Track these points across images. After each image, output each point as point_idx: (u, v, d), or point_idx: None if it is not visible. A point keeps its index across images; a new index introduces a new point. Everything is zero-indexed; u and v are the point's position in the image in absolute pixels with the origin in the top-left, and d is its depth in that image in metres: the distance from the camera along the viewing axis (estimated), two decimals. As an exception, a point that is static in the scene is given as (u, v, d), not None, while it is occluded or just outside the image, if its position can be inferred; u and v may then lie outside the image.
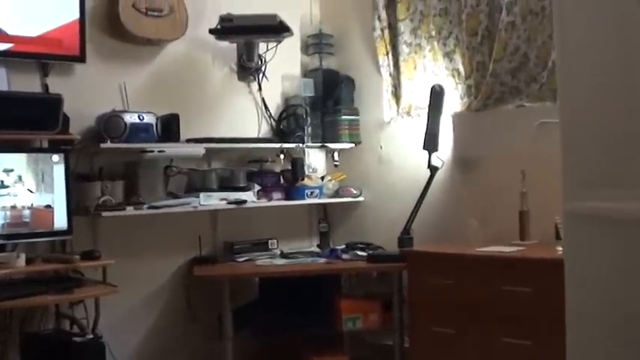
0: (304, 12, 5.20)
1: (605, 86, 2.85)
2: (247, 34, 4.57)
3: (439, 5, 4.42)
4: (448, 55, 4.41)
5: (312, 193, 4.80)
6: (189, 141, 4.38)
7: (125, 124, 4.05)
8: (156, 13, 4.30)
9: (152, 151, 4.12)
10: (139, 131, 4.11)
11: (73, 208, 3.87)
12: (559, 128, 3.01)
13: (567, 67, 3.02)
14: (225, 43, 4.66)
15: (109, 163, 4.18)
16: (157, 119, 4.23)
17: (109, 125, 4.02)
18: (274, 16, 4.49)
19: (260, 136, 4.90)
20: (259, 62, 4.77)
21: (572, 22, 2.98)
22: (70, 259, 3.70)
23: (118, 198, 4.05)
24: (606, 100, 2.85)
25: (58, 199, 3.80)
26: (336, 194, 4.99)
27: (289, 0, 5.04)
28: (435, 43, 4.47)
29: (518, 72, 4.05)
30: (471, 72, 4.26)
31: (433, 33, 4.47)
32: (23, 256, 3.59)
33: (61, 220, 3.80)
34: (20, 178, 3.70)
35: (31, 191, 3.73)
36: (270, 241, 4.68)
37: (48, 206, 3.77)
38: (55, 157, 3.81)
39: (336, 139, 4.97)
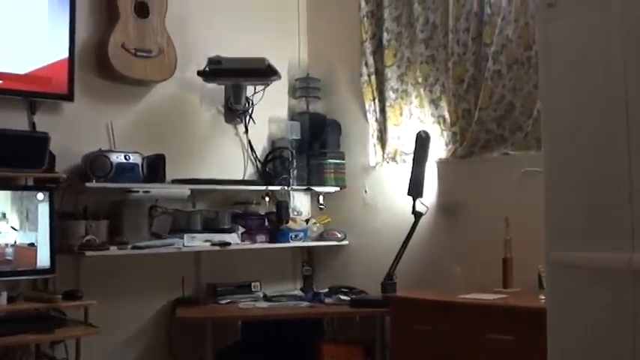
0: (292, 56, 5.25)
1: (589, 137, 2.89)
2: (235, 77, 4.60)
3: (426, 53, 4.47)
4: (434, 102, 4.45)
5: (296, 236, 4.80)
6: (174, 182, 4.38)
7: (111, 163, 4.05)
8: (145, 54, 4.32)
9: (137, 191, 4.11)
10: (125, 171, 4.11)
11: (57, 246, 3.85)
12: (543, 177, 3.05)
13: (552, 117, 3.06)
14: (213, 85, 4.69)
15: (94, 202, 4.16)
16: (143, 159, 4.23)
17: (95, 164, 4.02)
18: (262, 60, 4.53)
19: (245, 178, 4.91)
20: (246, 104, 4.78)
21: (557, 73, 3.03)
22: (52, 298, 3.67)
23: (102, 237, 4.03)
24: (590, 151, 2.88)
25: (41, 237, 3.78)
26: (321, 237, 4.98)
27: (278, 43, 5.09)
28: (422, 90, 4.51)
29: (504, 120, 4.09)
30: (457, 119, 4.30)
31: (420, 80, 4.51)
32: (5, 295, 3.56)
33: (44, 259, 3.78)
34: (4, 215, 3.68)
35: (15, 229, 3.71)
36: (253, 284, 4.67)
37: (31, 244, 3.75)
38: (40, 196, 3.80)
39: (321, 183, 4.98)
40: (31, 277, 3.84)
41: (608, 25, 2.82)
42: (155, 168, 4.24)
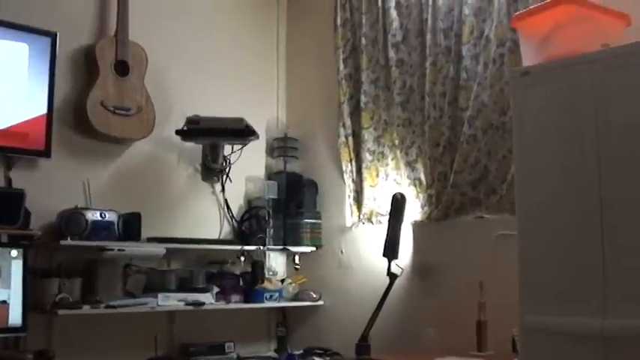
0: (271, 115, 5.30)
1: (562, 202, 2.93)
2: (213, 137, 4.62)
3: (403, 116, 4.51)
4: (410, 165, 4.48)
5: (271, 296, 4.77)
6: (150, 240, 4.36)
7: (86, 221, 4.04)
8: (123, 112, 4.35)
9: (112, 250, 4.09)
10: (100, 229, 4.09)
11: (29, 304, 3.80)
12: (517, 241, 3.08)
13: (525, 181, 3.11)
14: (190, 144, 4.70)
15: (69, 260, 4.13)
16: (119, 217, 4.22)
17: (70, 222, 4.00)
18: (241, 120, 4.56)
19: (221, 237, 4.90)
20: (224, 164, 4.80)
21: (531, 139, 3.08)
22: (23, 357, 3.62)
23: (75, 296, 4.00)
24: (563, 216, 2.92)
25: (14, 294, 3.74)
26: (296, 298, 4.96)
27: (256, 103, 5.15)
28: (398, 152, 4.54)
29: (479, 184, 4.11)
30: (432, 182, 4.32)
31: (396, 142, 4.55)
32: (-26, 353, 3.52)
33: (15, 317, 3.73)
34: (-24, 272, 3.66)
35: (-13, 286, 3.69)
36: (227, 344, 4.63)
37: (3, 302, 3.71)
38: (14, 252, 3.77)
39: (297, 243, 4.97)
40: (2, 336, 3.79)
41: (580, 94, 2.88)
42: (131, 226, 4.23)
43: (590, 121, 2.84)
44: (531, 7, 3.60)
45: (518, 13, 3.53)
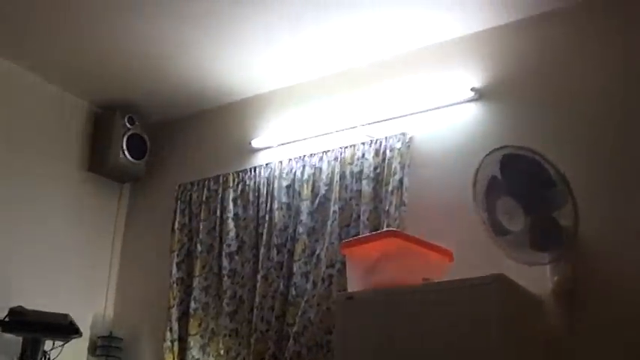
0: (98, 311, 5.20)
1: None
2: (35, 331, 4.47)
3: (230, 326, 4.54)
4: (233, 376, 4.48)
5: None
6: None
7: None
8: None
9: None
10: None
11: None
12: None
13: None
14: (10, 335, 4.54)
15: None
16: None
17: None
18: (65, 316, 4.47)
19: None
20: (43, 359, 4.64)
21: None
22: None
23: None
24: None
25: None
26: None
27: (85, 298, 5.11)
28: (223, 362, 4.54)
29: (303, 399, 4.14)
30: (254, 395, 4.32)
31: (222, 352, 4.54)
32: None
33: None
34: None
35: None
36: None
37: None
38: None
39: None
40: None
41: (399, 323, 3.04)
42: None
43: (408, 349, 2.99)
44: (360, 235, 3.81)
45: (346, 240, 3.72)
